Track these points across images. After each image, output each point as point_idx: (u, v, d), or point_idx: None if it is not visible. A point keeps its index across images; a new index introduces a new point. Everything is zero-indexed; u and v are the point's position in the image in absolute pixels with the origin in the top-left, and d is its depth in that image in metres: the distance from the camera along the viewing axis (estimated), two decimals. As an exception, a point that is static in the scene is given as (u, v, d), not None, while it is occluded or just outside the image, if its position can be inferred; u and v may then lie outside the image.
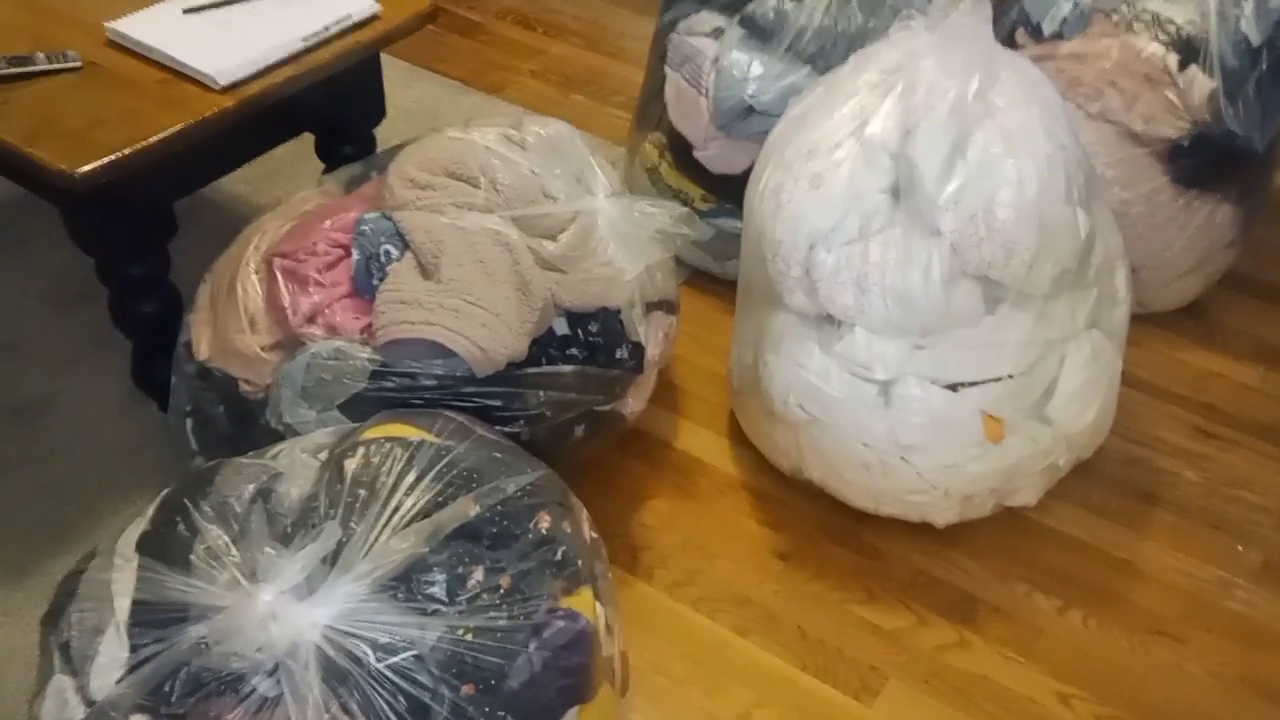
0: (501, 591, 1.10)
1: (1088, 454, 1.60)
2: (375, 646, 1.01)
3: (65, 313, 1.93)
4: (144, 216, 1.56)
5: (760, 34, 1.84)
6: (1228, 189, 1.85)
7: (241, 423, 1.44)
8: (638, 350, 1.54)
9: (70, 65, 1.52)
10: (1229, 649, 1.49)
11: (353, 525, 1.08)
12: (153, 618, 1.03)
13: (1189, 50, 1.75)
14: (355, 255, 1.42)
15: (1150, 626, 1.52)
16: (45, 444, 1.73)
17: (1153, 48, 1.77)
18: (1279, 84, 1.77)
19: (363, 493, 1.12)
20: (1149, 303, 1.94)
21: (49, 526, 1.60)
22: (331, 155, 1.85)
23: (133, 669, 1.01)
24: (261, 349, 1.41)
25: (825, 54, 1.80)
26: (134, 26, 1.57)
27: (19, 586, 1.52)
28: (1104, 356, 1.52)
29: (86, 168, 1.37)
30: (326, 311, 1.40)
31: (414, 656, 1.02)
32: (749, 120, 1.84)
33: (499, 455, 1.23)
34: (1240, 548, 1.62)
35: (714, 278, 2.01)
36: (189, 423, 1.51)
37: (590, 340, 1.48)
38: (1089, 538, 1.62)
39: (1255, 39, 1.75)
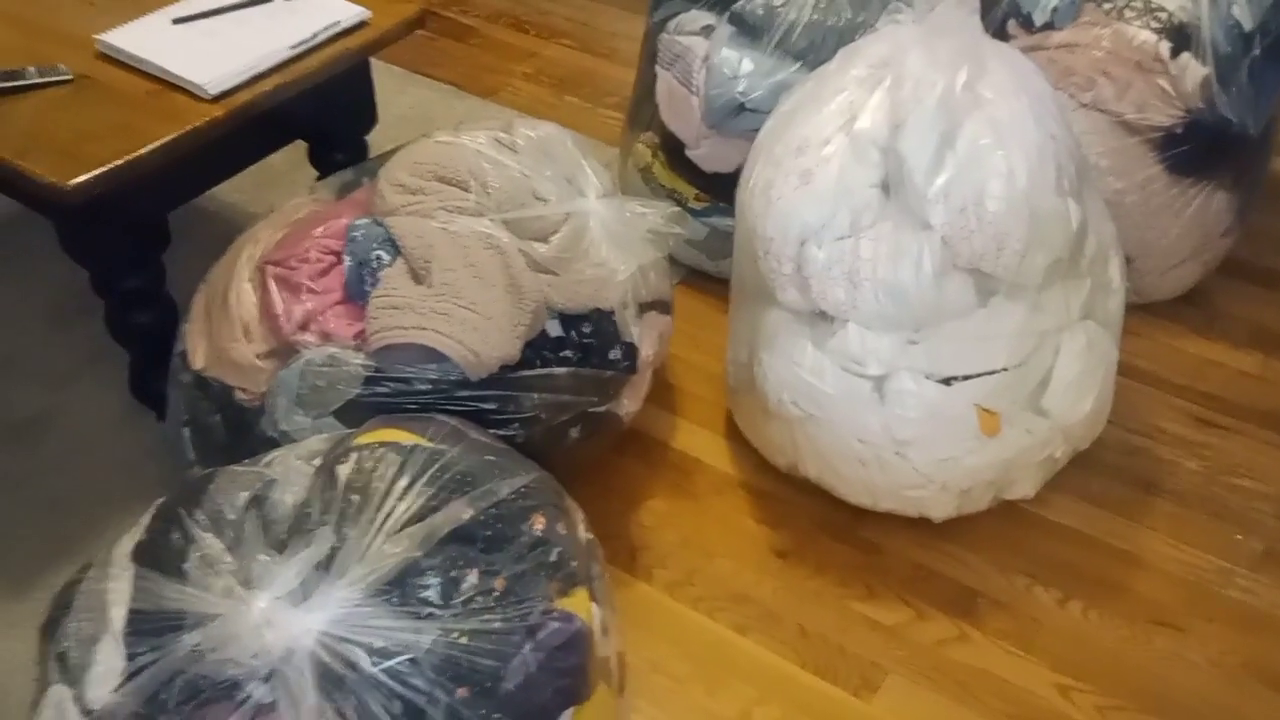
0: (496, 594, 1.10)
1: (1085, 445, 1.59)
2: (370, 651, 1.02)
3: (64, 327, 1.94)
4: (137, 228, 1.57)
5: (750, 31, 1.84)
6: (1222, 176, 1.85)
7: (238, 431, 1.45)
8: (631, 351, 1.54)
9: (61, 78, 1.53)
10: (1230, 637, 1.49)
11: (346, 531, 1.08)
12: (148, 626, 1.04)
13: (1181, 37, 1.74)
14: (347, 261, 1.43)
15: (1151, 616, 1.51)
16: (46, 459, 1.74)
17: (1144, 35, 1.77)
18: (1272, 68, 1.77)
19: (356, 498, 1.12)
20: (1146, 292, 1.93)
21: (51, 540, 1.60)
22: (324, 163, 1.86)
23: (129, 678, 1.01)
24: (256, 357, 1.42)
25: (815, 49, 1.79)
26: (124, 38, 1.57)
27: (22, 600, 1.52)
28: (1099, 347, 1.52)
29: (78, 180, 1.37)
30: (320, 318, 1.41)
31: (409, 660, 1.02)
32: (740, 118, 1.84)
33: (492, 458, 1.23)
34: (1240, 536, 1.61)
35: (709, 277, 2.01)
36: (186, 432, 1.52)
37: (583, 342, 1.48)
38: (1088, 529, 1.62)
39: (1247, 24, 1.74)
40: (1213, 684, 1.44)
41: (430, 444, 1.21)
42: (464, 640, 1.05)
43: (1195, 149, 1.79)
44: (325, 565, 1.05)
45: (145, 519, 1.16)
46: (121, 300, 1.63)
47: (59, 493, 1.68)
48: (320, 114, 1.73)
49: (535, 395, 1.43)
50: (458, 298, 1.38)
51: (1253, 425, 1.77)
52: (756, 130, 1.59)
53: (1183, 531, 1.62)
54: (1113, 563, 1.58)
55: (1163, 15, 1.76)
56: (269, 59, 1.55)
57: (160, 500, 1.19)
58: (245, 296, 1.45)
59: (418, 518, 1.11)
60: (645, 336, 1.58)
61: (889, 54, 1.46)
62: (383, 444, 1.20)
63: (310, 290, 1.42)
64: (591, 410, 1.51)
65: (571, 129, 1.66)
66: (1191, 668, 1.46)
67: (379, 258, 1.43)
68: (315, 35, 1.60)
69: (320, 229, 1.47)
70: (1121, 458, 1.71)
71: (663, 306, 1.66)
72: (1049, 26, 1.86)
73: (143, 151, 1.43)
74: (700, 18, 1.91)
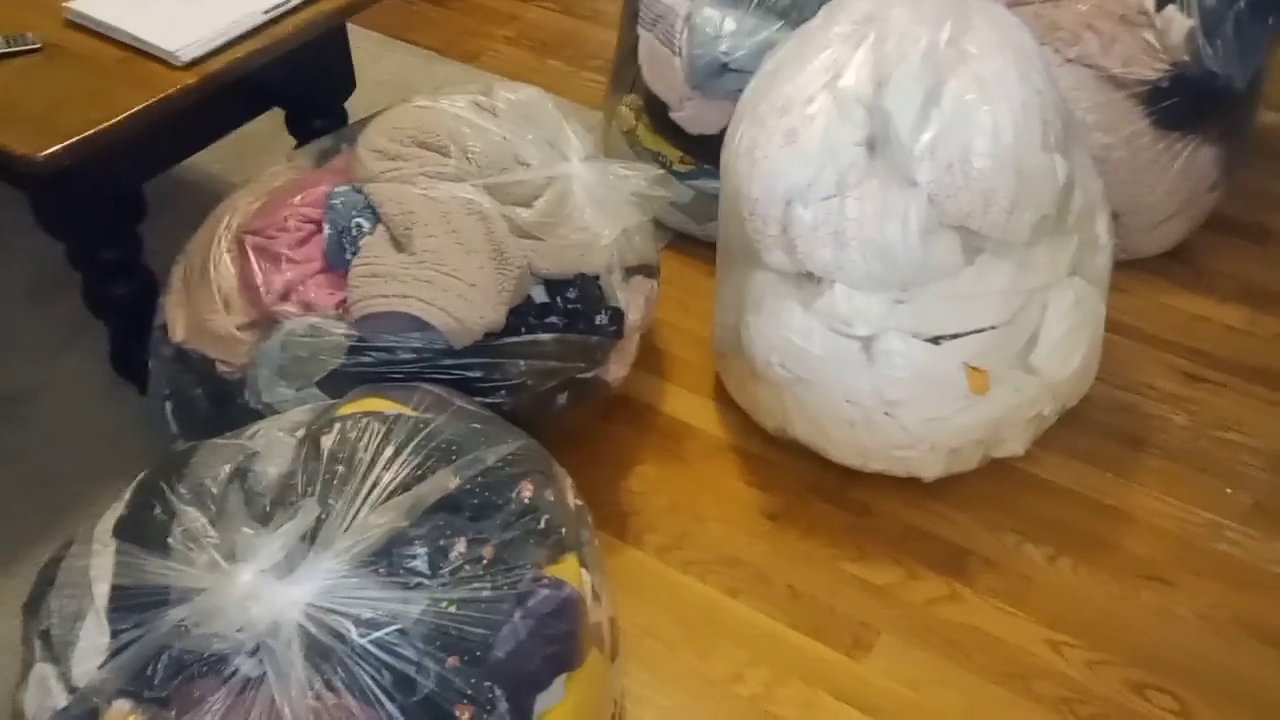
0: (484, 562, 1.09)
1: (1074, 402, 1.59)
2: (358, 622, 1.01)
3: (45, 301, 1.92)
4: (112, 199, 1.55)
5: (732, -11, 1.82)
6: (1208, 130, 1.83)
7: (221, 403, 1.43)
8: (617, 315, 1.53)
9: (30, 47, 1.50)
10: (1218, 591, 1.49)
11: (331, 502, 1.07)
12: (132, 602, 1.03)
13: (1166, -11, 1.72)
14: (327, 230, 1.41)
15: (1140, 571, 1.52)
16: (30, 435, 1.72)
17: (1130, -12, 1.75)
18: (1257, 21, 1.75)
19: (340, 468, 1.11)
20: (1134, 248, 1.92)
21: (36, 517, 1.59)
22: (303, 130, 1.83)
23: (114, 654, 1.00)
24: (236, 329, 1.40)
25: (798, 7, 1.77)
26: (93, 5, 1.54)
27: (7, 576, 1.51)
28: (1087, 303, 1.51)
29: (48, 151, 1.34)
30: (300, 288, 1.39)
31: (397, 631, 1.01)
32: (724, 78, 1.82)
33: (478, 426, 1.22)
34: (1229, 490, 1.61)
35: (696, 240, 2.00)
36: (168, 406, 1.50)
37: (569, 307, 1.47)
38: (1077, 486, 1.62)
39: (1233, -25, 1.72)
40: (1202, 638, 1.45)
41: (415, 413, 1.20)
42: (453, 609, 1.04)
43: (1182, 103, 1.78)
44: (310, 537, 1.04)
45: (127, 494, 1.15)
46: (98, 272, 1.60)
47: (42, 468, 1.67)
48: (297, 80, 1.70)
49: (521, 362, 1.41)
50: (440, 264, 1.36)
51: (1240, 379, 1.77)
52: (740, 91, 1.57)
53: (1171, 486, 1.62)
54: (1102, 519, 1.58)
55: (1148, -33, 1.74)
56: (242, 24, 1.52)
57: (142, 474, 1.18)
58: (224, 267, 1.43)
59: (404, 487, 1.10)
60: (631, 301, 1.57)
61: (873, 10, 1.44)
62: (367, 414, 1.18)
63: (290, 260, 1.40)
64: (578, 376, 1.50)
65: (554, 93, 1.63)
66: (1180, 622, 1.46)
67: (359, 225, 1.41)
68: (289, -1, 1.57)
69: (299, 197, 1.45)
70: (1110, 414, 1.71)
71: (649, 270, 1.64)
72: (1034, -20, 1.84)
73: (114, 121, 1.40)
74: (682, -24, 1.88)
